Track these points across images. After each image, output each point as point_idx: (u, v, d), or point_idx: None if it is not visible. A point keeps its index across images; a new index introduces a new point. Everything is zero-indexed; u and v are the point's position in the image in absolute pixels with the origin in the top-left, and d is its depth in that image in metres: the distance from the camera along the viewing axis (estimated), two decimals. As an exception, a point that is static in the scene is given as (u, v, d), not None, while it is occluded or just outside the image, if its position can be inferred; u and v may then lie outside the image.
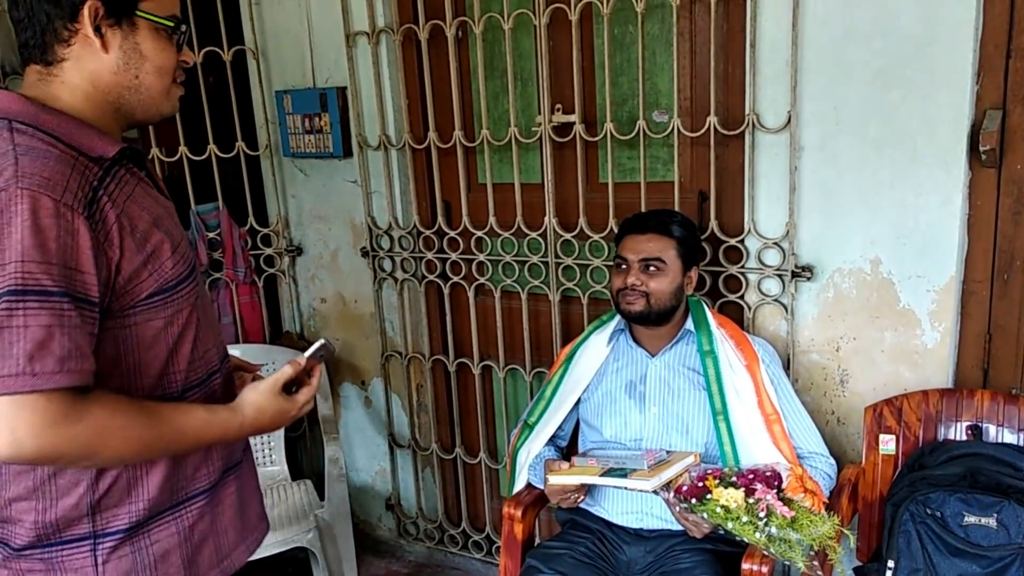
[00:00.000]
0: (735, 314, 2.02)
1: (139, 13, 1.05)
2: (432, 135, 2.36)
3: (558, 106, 2.19)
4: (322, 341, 1.25)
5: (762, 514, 1.40)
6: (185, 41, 1.13)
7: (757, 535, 1.39)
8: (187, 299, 1.11)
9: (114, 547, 1.08)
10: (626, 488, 1.57)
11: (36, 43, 1.04)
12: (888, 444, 1.80)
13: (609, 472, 1.59)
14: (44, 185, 0.94)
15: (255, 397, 1.14)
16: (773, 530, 1.39)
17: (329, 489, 2.46)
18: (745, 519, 1.40)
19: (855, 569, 1.78)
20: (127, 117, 1.12)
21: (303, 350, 1.26)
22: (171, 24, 1.09)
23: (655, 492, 1.54)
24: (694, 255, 1.83)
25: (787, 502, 1.44)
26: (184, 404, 1.10)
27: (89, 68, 1.05)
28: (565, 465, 1.70)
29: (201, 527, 1.17)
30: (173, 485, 1.12)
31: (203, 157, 2.55)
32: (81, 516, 1.06)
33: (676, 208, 2.01)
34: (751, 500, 1.42)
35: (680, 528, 1.67)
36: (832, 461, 1.76)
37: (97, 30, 1.03)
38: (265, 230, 2.73)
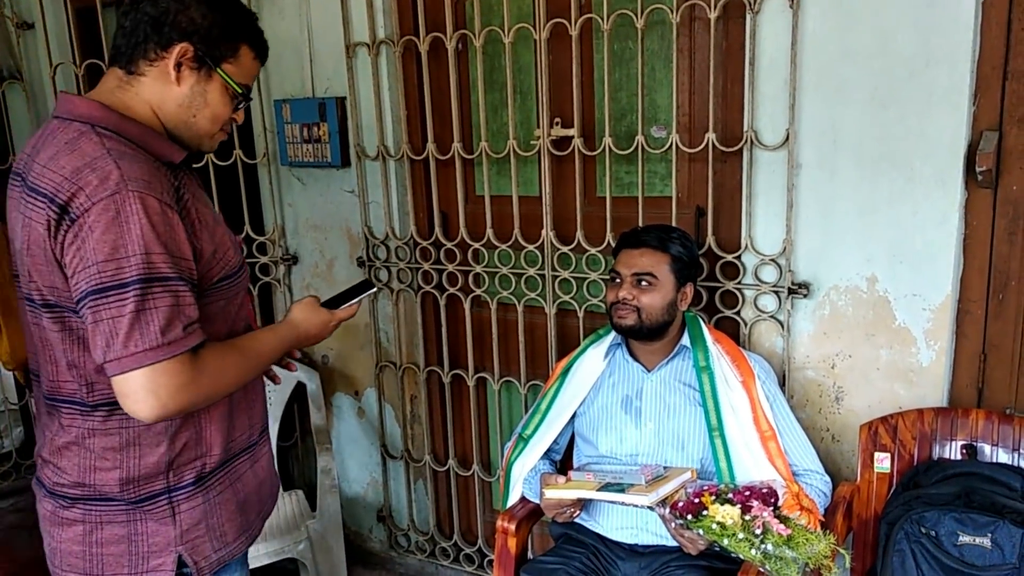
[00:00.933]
0: (731, 330, 2.02)
1: (219, 71, 1.24)
2: (431, 146, 2.36)
3: (557, 120, 2.19)
4: (371, 291, 1.54)
5: (758, 531, 1.40)
6: (241, 106, 1.32)
7: (753, 552, 1.39)
8: (241, 285, 1.32)
9: (187, 497, 1.28)
10: (623, 503, 1.57)
11: (127, 51, 1.22)
12: (883, 462, 1.80)
13: (606, 487, 1.58)
14: (147, 187, 1.12)
15: (300, 310, 1.40)
16: (769, 547, 1.38)
17: (321, 500, 2.44)
18: (741, 536, 1.40)
19: (849, 587, 1.78)
20: (178, 139, 1.27)
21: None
22: (240, 91, 1.28)
23: (651, 508, 1.53)
24: (690, 271, 1.83)
25: (783, 520, 1.43)
26: (253, 333, 1.34)
27: (161, 92, 1.23)
28: (561, 479, 1.70)
29: (246, 479, 1.38)
30: (227, 441, 1.32)
31: (200, 165, 2.54)
32: (159, 472, 1.25)
33: (673, 223, 2.02)
34: (747, 517, 1.42)
35: (675, 544, 1.66)
36: (827, 479, 1.76)
37: (178, 67, 1.21)
38: (261, 238, 2.72)
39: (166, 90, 1.22)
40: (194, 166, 1.37)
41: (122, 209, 1.10)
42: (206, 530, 1.30)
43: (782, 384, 1.97)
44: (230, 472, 1.35)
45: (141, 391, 1.12)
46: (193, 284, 1.17)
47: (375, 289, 1.47)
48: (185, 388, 1.14)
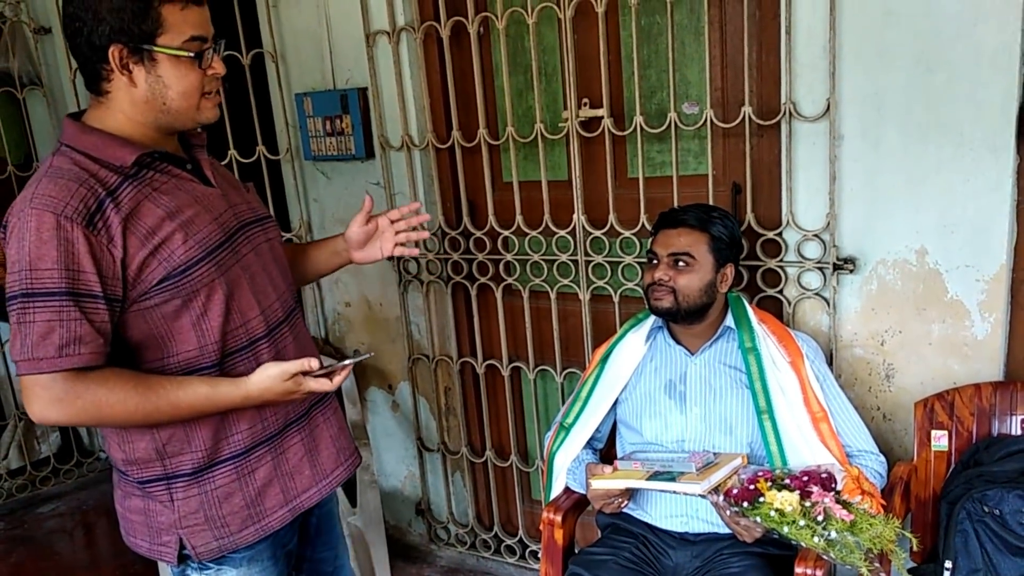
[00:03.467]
0: (774, 309, 1.96)
1: (156, 48, 1.21)
2: (456, 134, 2.31)
3: (585, 101, 2.14)
4: (363, 357, 1.44)
5: (820, 517, 1.35)
6: (211, 56, 1.27)
7: (816, 539, 1.34)
8: (203, 279, 1.27)
9: (184, 487, 1.33)
10: (674, 492, 1.52)
11: (89, 79, 1.26)
12: (941, 440, 1.74)
13: (655, 476, 1.54)
14: (48, 204, 1.16)
15: (264, 378, 1.30)
16: (832, 534, 1.33)
17: (361, 496, 2.42)
18: (802, 523, 1.35)
19: (910, 570, 1.72)
20: (167, 129, 1.30)
21: (336, 355, 1.30)
22: (187, 53, 1.23)
23: (703, 496, 1.49)
24: (730, 252, 1.77)
25: (845, 504, 1.38)
26: (188, 379, 1.27)
27: (127, 98, 1.25)
28: (608, 469, 1.65)
29: (263, 472, 1.38)
30: (224, 437, 1.34)
31: (224, 162, 2.52)
32: (152, 459, 1.32)
33: (710, 201, 1.96)
34: (807, 503, 1.37)
35: (727, 531, 1.62)
36: (883, 459, 1.71)
37: (125, 68, 1.22)
38: (288, 235, 2.69)
39: (131, 94, 1.25)
40: (222, 163, 1.36)
41: (18, 225, 1.17)
42: (204, 520, 1.34)
43: (829, 363, 1.91)
44: (240, 466, 1.36)
45: (25, 393, 1.21)
46: (92, 296, 1.18)
47: (363, 357, 1.44)
48: (58, 403, 1.19)
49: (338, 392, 2.70)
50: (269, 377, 1.30)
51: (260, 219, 1.46)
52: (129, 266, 1.21)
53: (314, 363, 1.31)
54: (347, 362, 1.36)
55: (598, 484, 1.64)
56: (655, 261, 1.76)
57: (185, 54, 1.23)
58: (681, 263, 1.73)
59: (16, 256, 1.17)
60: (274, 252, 1.47)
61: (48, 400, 1.19)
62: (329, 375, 1.33)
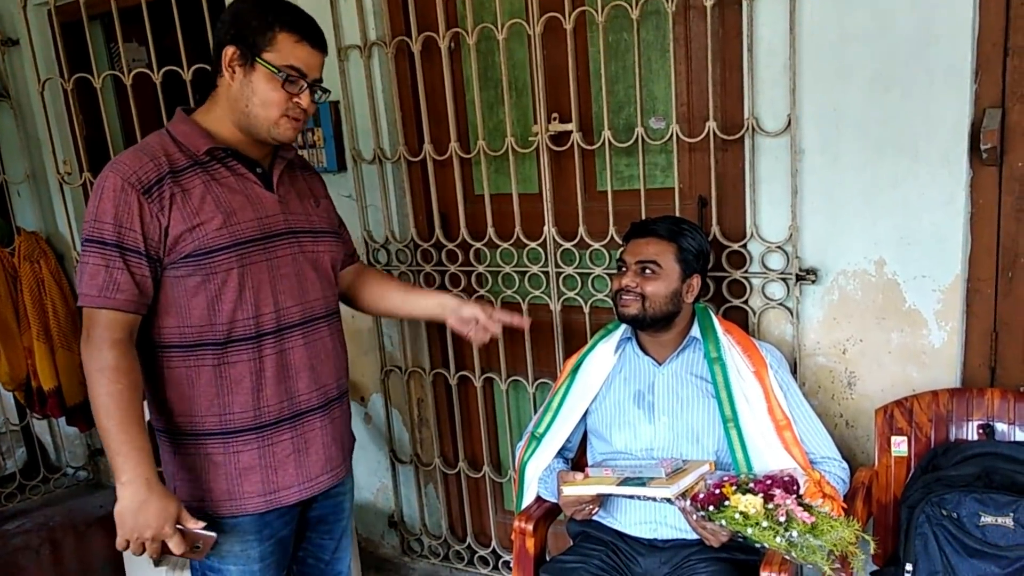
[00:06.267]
0: (740, 319, 2.01)
1: (258, 60, 1.43)
2: (427, 147, 2.34)
3: (554, 115, 2.18)
4: (208, 534, 1.46)
5: (782, 519, 1.39)
6: (302, 88, 1.47)
7: (778, 540, 1.37)
8: (223, 265, 1.44)
9: (180, 445, 1.52)
10: (644, 497, 1.55)
11: (213, 73, 1.50)
12: (900, 446, 1.79)
13: (626, 481, 1.56)
14: (120, 169, 1.39)
15: (149, 495, 1.39)
16: (794, 535, 1.37)
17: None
18: (765, 525, 1.38)
19: (872, 573, 1.76)
20: (247, 132, 1.49)
21: None
22: (279, 73, 1.43)
23: (671, 501, 1.51)
24: (697, 263, 1.81)
25: (806, 507, 1.42)
26: (131, 426, 1.39)
27: (225, 95, 1.48)
28: (579, 476, 1.67)
29: (247, 458, 1.52)
30: (216, 412, 1.49)
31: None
32: (155, 416, 1.52)
33: (677, 213, 2.01)
34: (770, 506, 1.40)
35: (695, 537, 1.64)
36: (845, 465, 1.75)
37: (230, 67, 1.45)
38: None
39: (227, 92, 1.47)
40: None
41: (99, 181, 1.41)
42: (191, 478, 1.52)
43: (793, 371, 1.95)
44: (227, 444, 1.51)
45: (84, 322, 1.43)
46: (136, 251, 1.39)
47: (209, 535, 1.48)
48: (86, 340, 1.40)
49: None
50: (147, 504, 1.38)
51: (315, 231, 1.61)
52: (170, 235, 1.40)
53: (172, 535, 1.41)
54: (201, 532, 1.44)
55: (570, 491, 1.66)
56: (623, 269, 1.80)
57: (277, 73, 1.43)
58: (648, 271, 1.76)
59: (89, 206, 1.40)
60: (318, 262, 1.61)
61: (86, 330, 1.40)
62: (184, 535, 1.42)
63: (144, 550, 1.41)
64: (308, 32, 1.47)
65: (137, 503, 1.38)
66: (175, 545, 1.41)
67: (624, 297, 1.78)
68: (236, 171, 1.49)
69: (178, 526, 1.41)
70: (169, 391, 1.50)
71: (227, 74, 1.45)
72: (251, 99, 1.45)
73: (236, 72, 1.45)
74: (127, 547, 1.42)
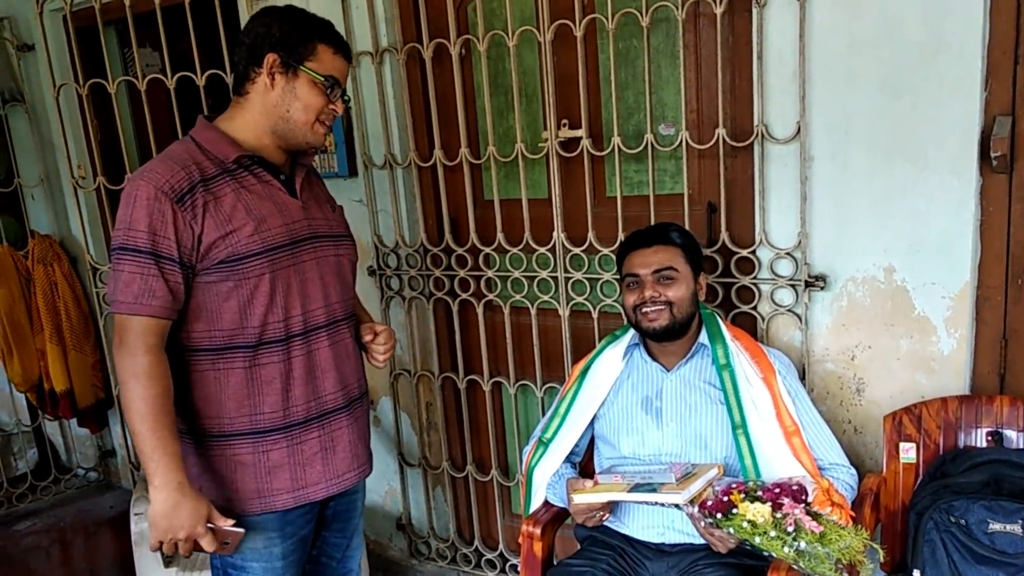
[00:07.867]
0: (748, 325, 2.01)
1: (302, 68, 1.50)
2: (438, 153, 2.35)
3: (564, 121, 2.19)
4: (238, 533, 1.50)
5: (790, 528, 1.39)
6: (336, 95, 1.54)
7: (786, 550, 1.37)
8: (255, 270, 1.47)
9: (205, 447, 1.54)
10: (655, 503, 1.56)
11: (237, 80, 1.55)
12: (909, 452, 1.79)
13: (636, 488, 1.57)
14: (151, 178, 1.41)
15: (182, 498, 1.42)
16: (802, 545, 1.37)
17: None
18: (773, 534, 1.39)
19: (880, 580, 1.76)
20: (280, 138, 1.54)
21: None
22: (324, 80, 1.51)
23: (678, 507, 1.52)
24: (699, 261, 1.84)
25: (815, 516, 1.42)
26: (164, 431, 1.42)
27: (261, 100, 1.52)
28: (589, 483, 1.68)
29: (276, 456, 1.55)
30: (246, 414, 1.52)
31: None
32: (179, 418, 1.51)
33: (685, 220, 2.02)
34: (778, 515, 1.41)
35: (703, 542, 1.65)
36: (853, 471, 1.75)
37: (271, 73, 1.50)
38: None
39: (265, 98, 1.52)
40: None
41: (128, 190, 1.43)
42: (218, 479, 1.55)
43: (802, 378, 1.96)
44: (257, 444, 1.54)
45: (115, 328, 1.45)
46: (170, 259, 1.42)
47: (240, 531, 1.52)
48: (119, 346, 1.42)
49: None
50: (182, 504, 1.42)
51: (334, 235, 1.65)
52: (203, 242, 1.44)
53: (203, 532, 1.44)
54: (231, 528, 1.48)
55: (580, 499, 1.67)
56: (636, 283, 1.80)
57: (321, 80, 1.51)
58: (666, 278, 1.77)
59: (121, 215, 1.42)
60: (339, 266, 1.65)
61: (118, 335, 1.42)
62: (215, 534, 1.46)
63: (177, 550, 1.45)
64: (342, 45, 1.57)
65: (170, 506, 1.41)
66: (207, 543, 1.45)
67: (648, 310, 1.77)
68: (262, 178, 1.53)
69: (208, 525, 1.44)
70: (196, 394, 1.52)
71: (267, 79, 1.50)
72: (293, 104, 1.51)
73: (276, 79, 1.50)
74: (160, 547, 1.45)
